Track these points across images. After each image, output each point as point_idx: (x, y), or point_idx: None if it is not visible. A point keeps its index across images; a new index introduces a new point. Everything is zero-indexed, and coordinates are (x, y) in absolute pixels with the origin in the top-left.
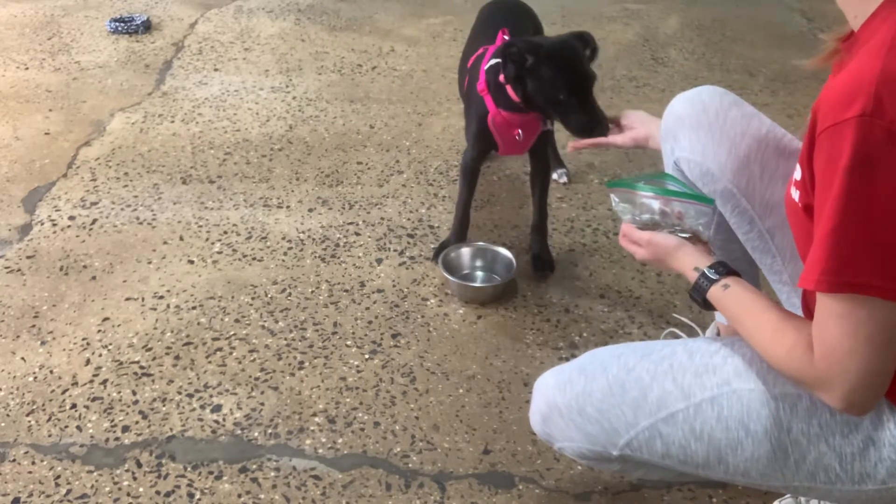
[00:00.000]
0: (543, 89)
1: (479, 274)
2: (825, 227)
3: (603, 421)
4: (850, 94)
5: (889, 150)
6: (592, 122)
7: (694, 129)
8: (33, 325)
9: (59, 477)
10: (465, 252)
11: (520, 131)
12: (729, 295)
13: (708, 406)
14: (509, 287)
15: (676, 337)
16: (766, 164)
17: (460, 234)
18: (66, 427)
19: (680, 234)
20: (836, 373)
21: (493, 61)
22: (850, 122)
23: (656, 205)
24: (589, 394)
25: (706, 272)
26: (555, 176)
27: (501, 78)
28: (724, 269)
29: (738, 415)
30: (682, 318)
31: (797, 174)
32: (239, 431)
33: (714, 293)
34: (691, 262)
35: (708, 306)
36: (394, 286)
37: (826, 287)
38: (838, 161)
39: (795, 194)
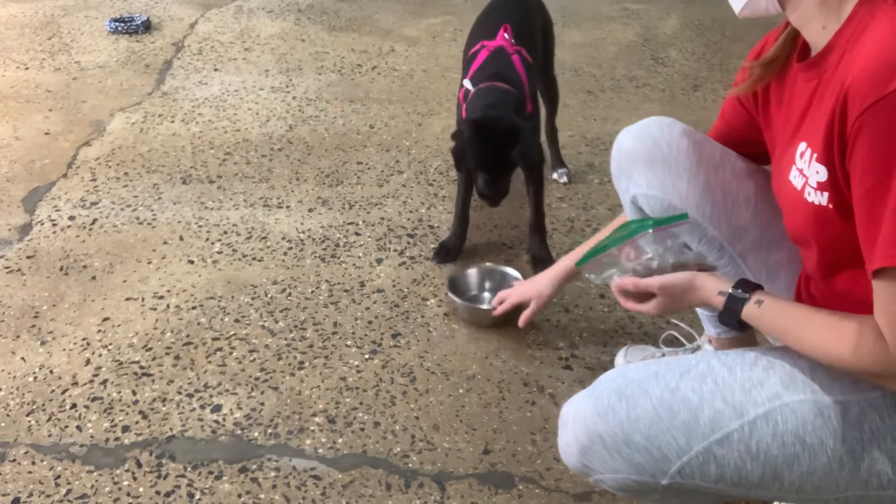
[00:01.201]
0: (466, 157)
1: (487, 295)
2: (892, 202)
3: (652, 448)
4: (887, 71)
5: None
6: (485, 196)
7: (648, 165)
8: (33, 325)
9: (59, 477)
10: (473, 274)
11: None
12: (766, 310)
13: (763, 422)
14: (518, 310)
15: (676, 338)
16: (726, 188)
17: (460, 232)
18: (66, 427)
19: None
20: None
21: (466, 82)
22: (895, 93)
23: (634, 252)
24: (635, 420)
25: (733, 293)
26: (555, 175)
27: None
28: (749, 286)
29: (793, 429)
30: (679, 324)
31: (819, 177)
32: (239, 431)
33: (749, 312)
34: (713, 288)
35: (744, 327)
36: (394, 286)
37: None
38: (893, 135)
39: (820, 197)
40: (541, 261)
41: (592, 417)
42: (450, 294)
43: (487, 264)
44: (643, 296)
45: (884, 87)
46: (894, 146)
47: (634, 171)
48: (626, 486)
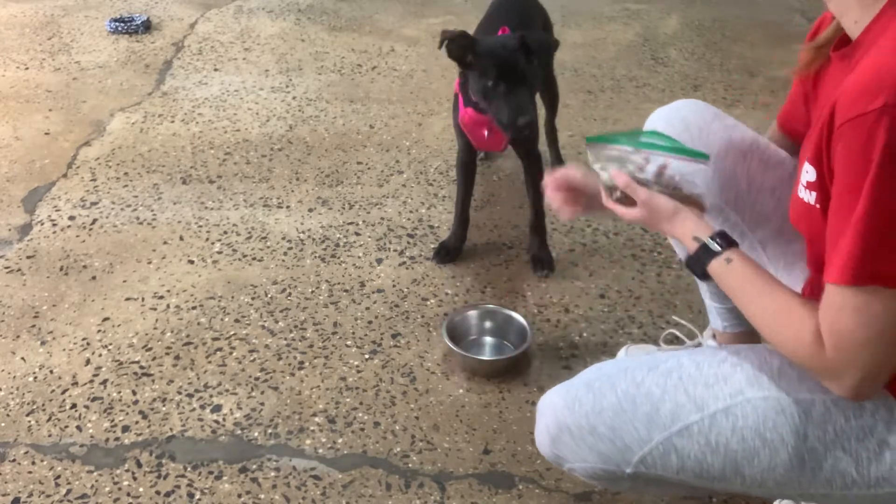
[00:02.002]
0: (476, 81)
1: (488, 339)
2: (856, 216)
3: (615, 439)
4: (874, 88)
5: None
6: (514, 112)
7: None
8: (33, 325)
9: (59, 477)
10: (473, 315)
11: (486, 131)
12: (732, 270)
13: (722, 417)
14: (523, 360)
15: (676, 337)
16: (752, 176)
17: (460, 232)
18: (66, 427)
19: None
20: (848, 364)
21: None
22: (874, 113)
23: (644, 161)
24: (599, 412)
25: (708, 243)
26: None
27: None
28: (726, 241)
29: (753, 424)
30: (681, 321)
31: (809, 176)
32: (239, 431)
33: (715, 267)
34: (690, 229)
35: (706, 278)
36: (394, 286)
37: (850, 278)
38: (865, 152)
39: (809, 196)
40: (541, 261)
41: (562, 409)
42: (447, 340)
43: (490, 306)
44: (628, 199)
45: (867, 103)
46: (867, 164)
47: None
48: (595, 475)
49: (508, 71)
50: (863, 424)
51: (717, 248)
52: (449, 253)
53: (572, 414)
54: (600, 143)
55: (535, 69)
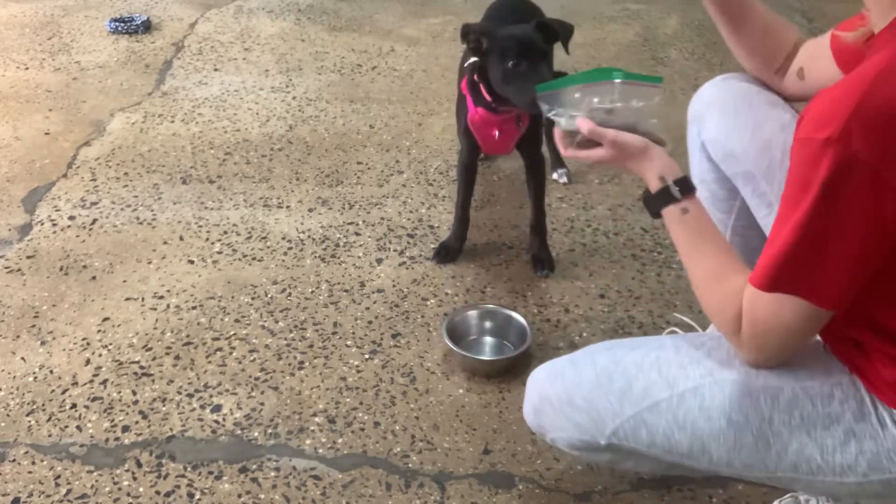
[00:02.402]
0: (496, 66)
1: (488, 339)
2: (784, 231)
3: (591, 410)
4: (826, 117)
5: (844, 180)
6: (530, 83)
7: (720, 112)
8: (33, 325)
9: (59, 477)
10: (473, 315)
11: (496, 132)
12: (684, 221)
13: (691, 396)
14: (523, 360)
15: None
16: (786, 149)
17: (460, 232)
18: (66, 427)
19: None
20: (755, 340)
21: (472, 59)
22: (819, 142)
23: (598, 99)
24: (577, 384)
25: (670, 187)
26: (555, 176)
27: (476, 76)
28: (688, 189)
29: (720, 405)
30: (683, 318)
31: None
32: (239, 431)
33: (671, 213)
34: (657, 168)
35: (658, 217)
36: (394, 286)
37: (766, 285)
38: (807, 174)
39: None
40: (541, 261)
41: (544, 382)
42: (447, 340)
43: (489, 305)
44: (589, 143)
45: (816, 129)
46: (806, 186)
47: (707, 116)
48: (574, 445)
49: (528, 50)
50: (830, 412)
51: (677, 194)
52: (449, 253)
53: (553, 386)
54: (550, 90)
55: (550, 51)
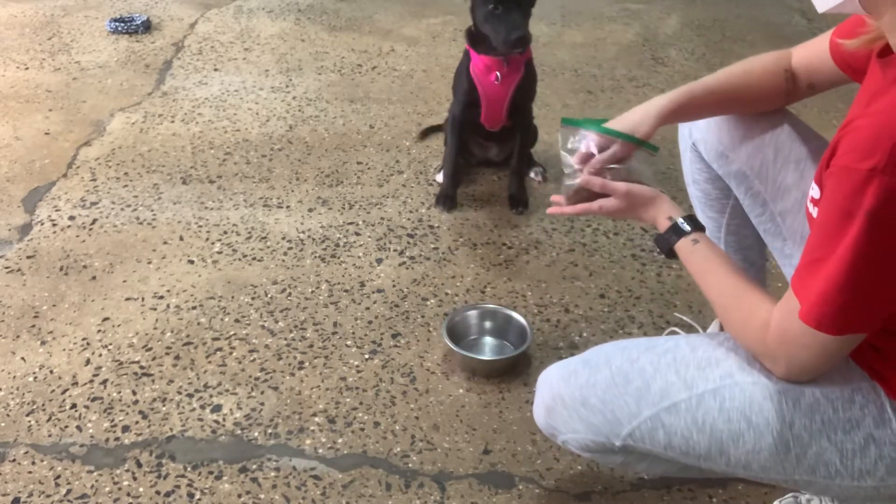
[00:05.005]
0: (480, 7)
1: (488, 339)
2: (834, 266)
3: (606, 411)
4: (869, 147)
5: (892, 211)
6: (509, 28)
7: None
8: (33, 325)
9: (59, 477)
10: (472, 315)
11: (497, 74)
12: (696, 251)
13: (710, 397)
14: (523, 360)
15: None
16: (779, 147)
17: (454, 181)
18: (66, 427)
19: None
20: (785, 356)
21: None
22: (863, 172)
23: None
24: (593, 384)
25: (679, 223)
26: (532, 174)
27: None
28: (695, 224)
29: (740, 406)
30: (683, 318)
31: (814, 193)
32: (239, 431)
33: (683, 246)
34: (667, 210)
35: (671, 256)
36: (394, 286)
37: (818, 325)
38: (850, 205)
39: (813, 210)
40: (519, 201)
41: (557, 381)
42: (447, 340)
43: (490, 305)
44: (594, 195)
45: (859, 159)
46: (849, 217)
47: None
48: (587, 447)
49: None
50: (850, 417)
51: (686, 228)
52: (450, 199)
53: (567, 386)
54: (573, 126)
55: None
